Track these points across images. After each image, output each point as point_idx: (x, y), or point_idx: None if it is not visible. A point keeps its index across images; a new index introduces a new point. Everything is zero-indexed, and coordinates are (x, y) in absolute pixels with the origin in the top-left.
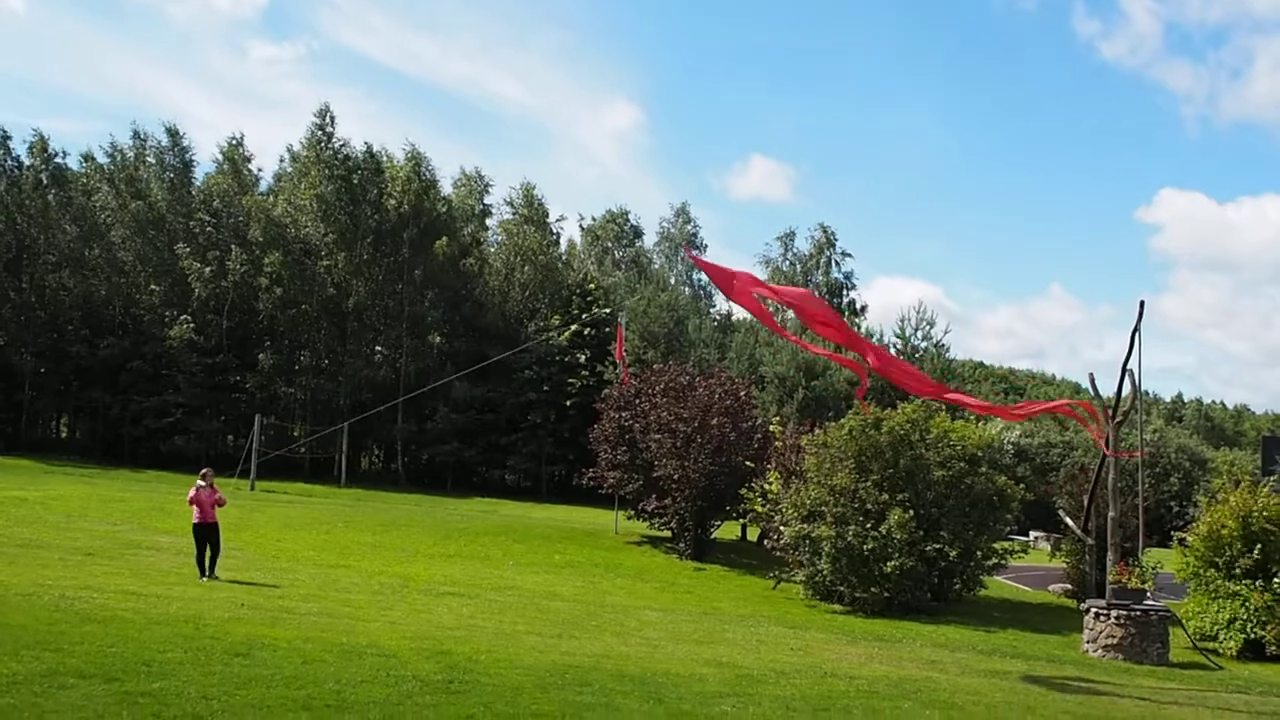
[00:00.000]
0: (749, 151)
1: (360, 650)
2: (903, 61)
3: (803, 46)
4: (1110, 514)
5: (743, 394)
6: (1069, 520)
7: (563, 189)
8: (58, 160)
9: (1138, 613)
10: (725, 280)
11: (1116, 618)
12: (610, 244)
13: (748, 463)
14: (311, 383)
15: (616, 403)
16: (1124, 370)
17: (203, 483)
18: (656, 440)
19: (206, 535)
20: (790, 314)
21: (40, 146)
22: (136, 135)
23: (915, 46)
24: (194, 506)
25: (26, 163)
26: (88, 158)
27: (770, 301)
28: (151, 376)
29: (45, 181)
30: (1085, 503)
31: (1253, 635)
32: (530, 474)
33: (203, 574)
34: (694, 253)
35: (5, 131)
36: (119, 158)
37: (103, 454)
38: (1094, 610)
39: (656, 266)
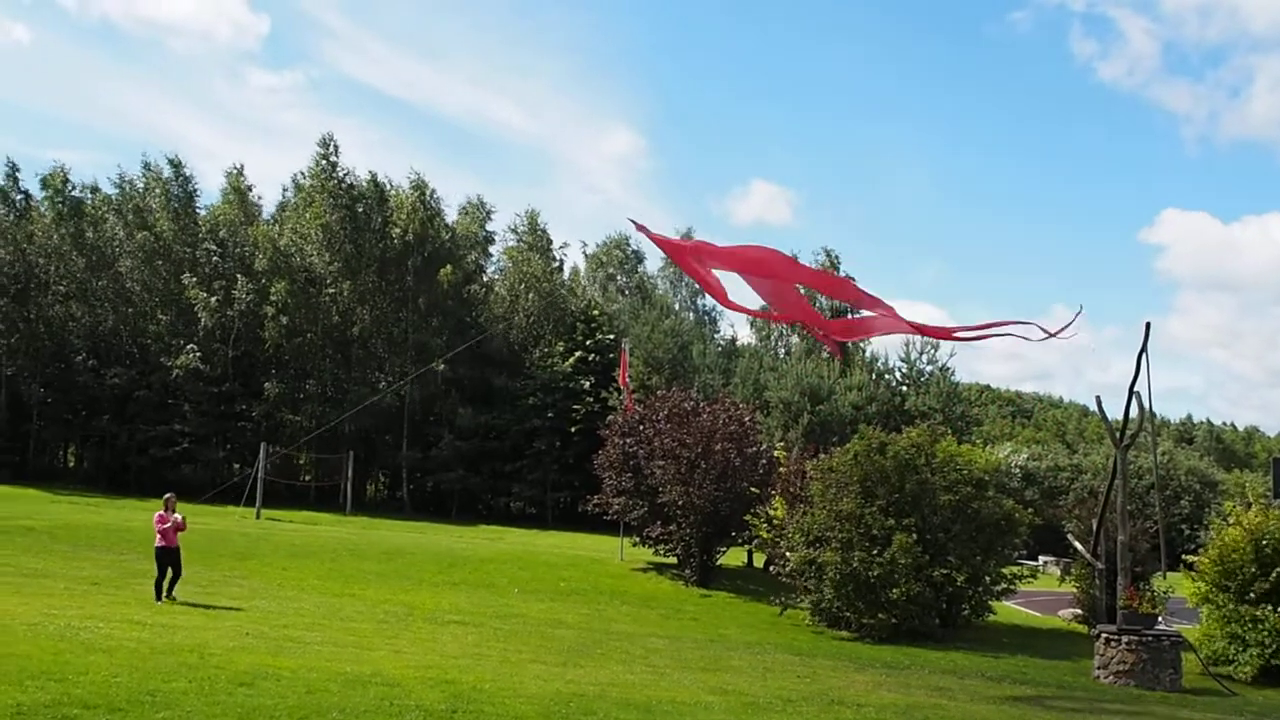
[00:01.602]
0: (749, 176)
1: (365, 679)
2: (901, 85)
3: (801, 70)
4: (1120, 538)
5: (747, 419)
6: (1078, 544)
7: (565, 215)
8: (75, 194)
9: (1149, 638)
10: (679, 252)
11: (1128, 643)
12: (613, 270)
13: (753, 489)
14: (317, 411)
15: (621, 429)
16: (1131, 392)
17: (165, 511)
18: (661, 466)
19: (169, 559)
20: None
21: (60, 179)
22: (146, 166)
23: (913, 70)
24: (158, 531)
25: (39, 195)
26: (94, 189)
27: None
28: (158, 405)
29: (64, 213)
30: (1094, 526)
31: (1271, 661)
32: (535, 501)
33: (159, 597)
34: (643, 226)
35: (14, 164)
36: (127, 189)
37: (109, 483)
38: (1105, 636)
39: (660, 292)
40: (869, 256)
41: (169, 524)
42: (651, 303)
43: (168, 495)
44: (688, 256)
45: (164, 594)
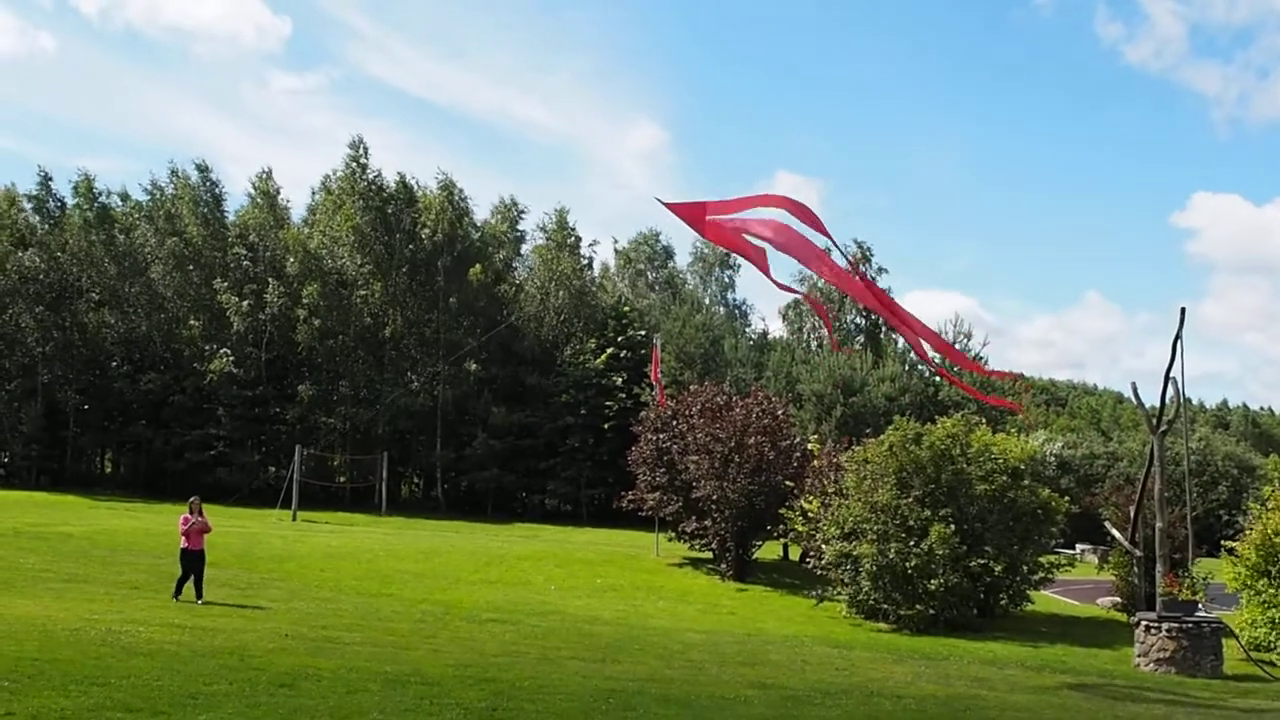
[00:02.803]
0: (774, 167)
1: (404, 679)
2: (926, 72)
3: (823, 59)
4: (1158, 524)
5: (780, 412)
6: (1115, 532)
7: (593, 212)
8: (102, 200)
9: (1189, 625)
10: (697, 218)
11: (1168, 630)
12: (643, 266)
13: (787, 482)
14: (350, 412)
15: (654, 424)
16: (1167, 378)
17: (190, 513)
18: (694, 461)
19: (193, 561)
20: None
21: (86, 186)
22: (174, 173)
23: (938, 57)
24: (181, 534)
25: (70, 202)
26: (125, 196)
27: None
28: (192, 410)
29: (92, 220)
30: (1131, 514)
31: None
32: (570, 498)
33: (177, 595)
34: (664, 199)
35: (47, 172)
36: (157, 195)
37: (146, 488)
38: (1144, 623)
39: (690, 287)
40: (899, 246)
41: (189, 526)
42: (682, 298)
43: (192, 498)
44: (706, 219)
45: (180, 593)
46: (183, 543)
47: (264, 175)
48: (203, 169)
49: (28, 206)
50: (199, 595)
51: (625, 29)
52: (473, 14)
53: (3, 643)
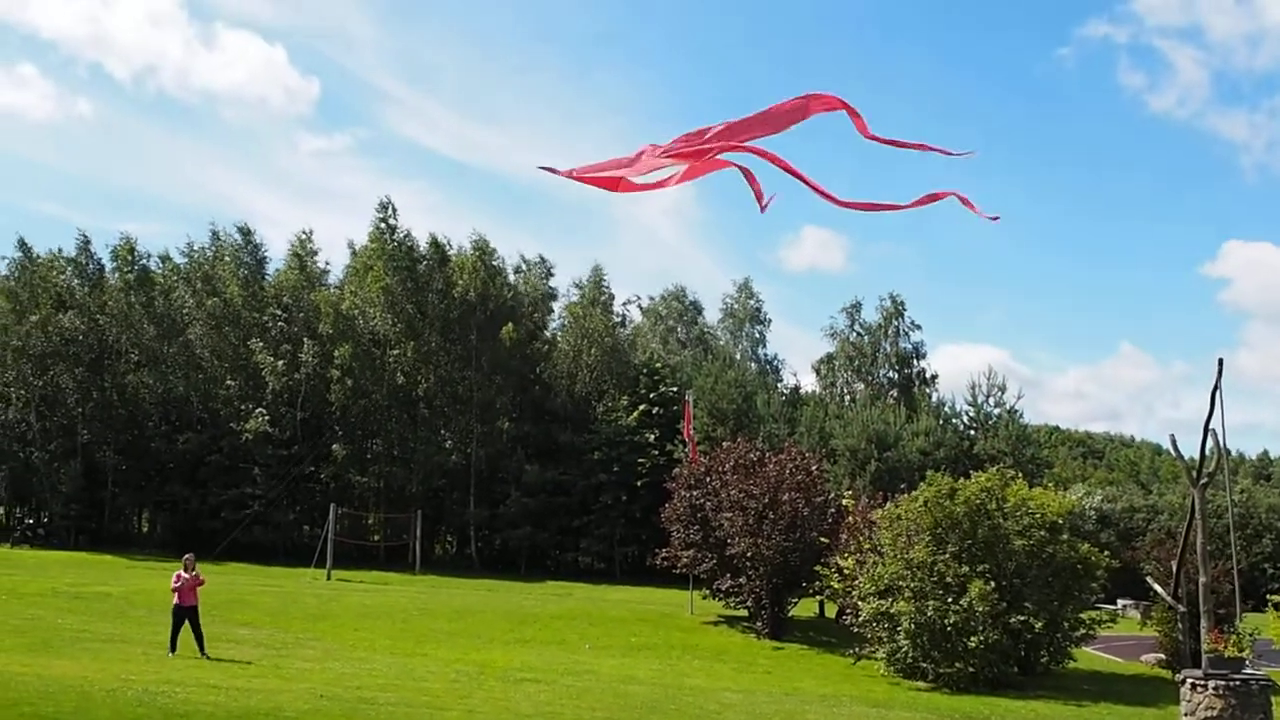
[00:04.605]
0: (800, 222)
1: None
2: (946, 126)
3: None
4: (1201, 579)
5: (814, 468)
6: (1158, 587)
7: (624, 269)
8: (143, 263)
9: (1237, 682)
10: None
11: (1215, 688)
12: (673, 322)
13: (822, 538)
14: (384, 471)
15: (687, 481)
16: (1206, 430)
17: (184, 572)
18: (728, 518)
19: (186, 616)
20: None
21: (127, 249)
22: (215, 236)
23: (960, 111)
24: (173, 590)
25: (109, 265)
26: (164, 259)
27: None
28: (229, 469)
29: (132, 283)
30: (1174, 568)
31: None
32: (603, 556)
33: (172, 650)
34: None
35: (86, 236)
36: (195, 257)
37: (181, 548)
38: (1190, 681)
39: (722, 343)
40: (927, 301)
41: (181, 582)
42: (714, 354)
43: (186, 556)
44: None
45: (175, 648)
46: (175, 599)
47: (305, 237)
48: (246, 231)
49: (68, 270)
50: (200, 651)
51: (653, 90)
52: (504, 76)
53: (40, 703)
